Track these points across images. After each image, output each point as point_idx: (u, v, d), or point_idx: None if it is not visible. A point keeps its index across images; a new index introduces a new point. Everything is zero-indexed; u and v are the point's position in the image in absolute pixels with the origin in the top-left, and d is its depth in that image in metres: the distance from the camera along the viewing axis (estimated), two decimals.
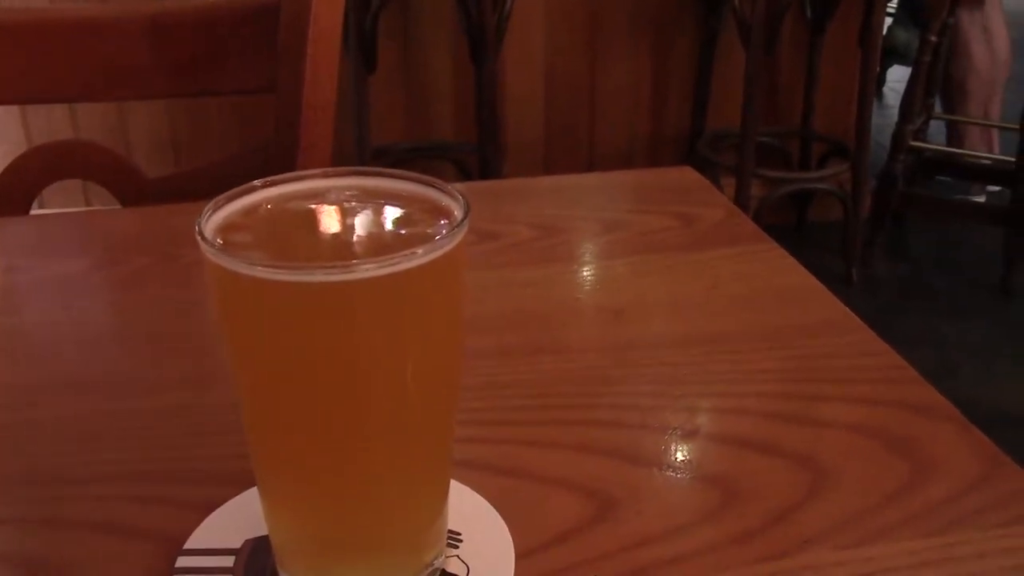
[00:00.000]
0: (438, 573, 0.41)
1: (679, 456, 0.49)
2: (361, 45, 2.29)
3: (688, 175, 0.81)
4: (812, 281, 0.64)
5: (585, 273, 0.68)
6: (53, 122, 2.44)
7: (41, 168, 1.00)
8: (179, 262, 0.71)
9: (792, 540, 0.43)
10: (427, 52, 2.54)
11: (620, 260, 0.70)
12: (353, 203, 0.37)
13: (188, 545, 0.42)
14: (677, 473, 0.48)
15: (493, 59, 2.32)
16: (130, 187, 1.00)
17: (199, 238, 0.34)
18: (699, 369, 0.56)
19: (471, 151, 2.51)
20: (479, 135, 2.43)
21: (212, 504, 0.45)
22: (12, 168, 0.98)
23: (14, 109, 2.40)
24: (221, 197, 0.36)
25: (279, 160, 0.97)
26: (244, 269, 0.33)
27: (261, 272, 0.33)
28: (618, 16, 2.58)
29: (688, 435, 0.50)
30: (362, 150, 2.37)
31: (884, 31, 3.20)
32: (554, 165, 2.69)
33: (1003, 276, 2.51)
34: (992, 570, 0.42)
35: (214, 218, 0.36)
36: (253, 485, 0.45)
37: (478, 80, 2.36)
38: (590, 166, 2.72)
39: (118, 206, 0.98)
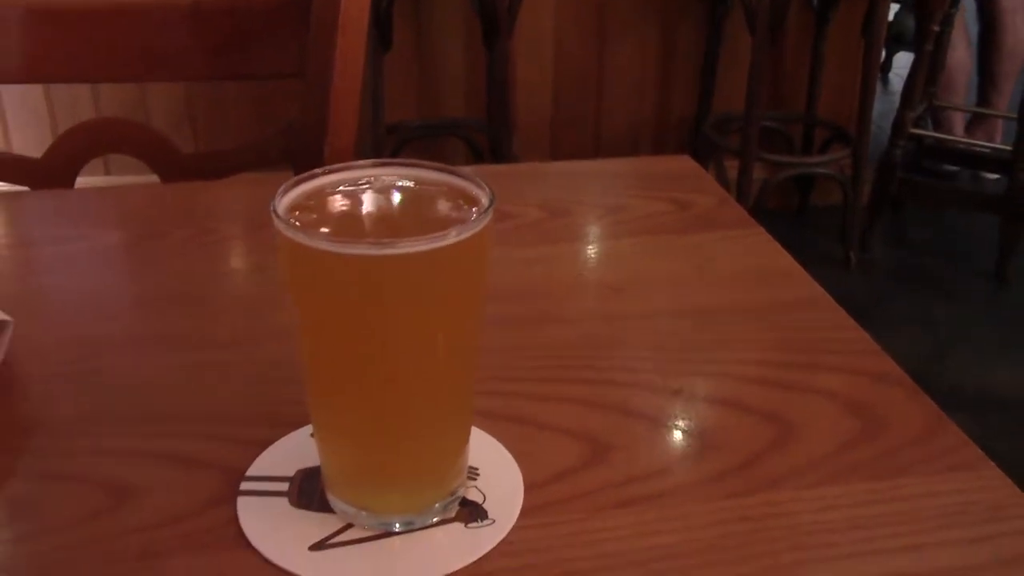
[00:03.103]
0: (460, 499, 0.49)
1: (665, 411, 0.56)
2: (378, 25, 2.36)
3: (686, 163, 0.89)
4: (793, 263, 0.71)
5: (588, 252, 0.76)
6: (75, 99, 2.50)
7: (85, 143, 1.08)
8: (217, 234, 0.78)
9: (758, 481, 0.51)
10: (440, 33, 2.60)
11: (620, 241, 0.77)
12: (398, 190, 0.45)
13: (250, 473, 0.50)
14: (662, 425, 0.56)
15: (504, 41, 2.38)
16: (166, 161, 1.08)
17: (274, 215, 0.41)
18: (686, 338, 0.63)
19: (481, 130, 2.58)
20: (489, 115, 2.50)
21: (267, 442, 0.53)
22: (59, 144, 1.06)
23: (36, 86, 2.47)
24: (289, 182, 0.44)
25: (306, 142, 1.04)
26: (310, 242, 0.41)
27: (323, 245, 0.41)
28: (626, 2, 2.63)
29: (674, 393, 0.58)
30: (376, 127, 2.44)
31: (891, 18, 3.25)
32: (562, 145, 2.75)
33: (998, 263, 2.57)
34: (930, 507, 0.49)
35: (285, 199, 0.43)
36: (301, 426, 0.53)
37: (489, 61, 2.43)
38: (596, 147, 2.78)
39: (141, 178, 1.05)
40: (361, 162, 0.45)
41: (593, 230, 0.80)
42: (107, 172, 2.52)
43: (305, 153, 1.03)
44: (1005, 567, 0.46)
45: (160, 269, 0.73)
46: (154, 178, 1.06)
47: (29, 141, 2.52)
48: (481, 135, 2.59)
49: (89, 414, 0.56)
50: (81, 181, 1.05)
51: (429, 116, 2.66)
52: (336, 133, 1.02)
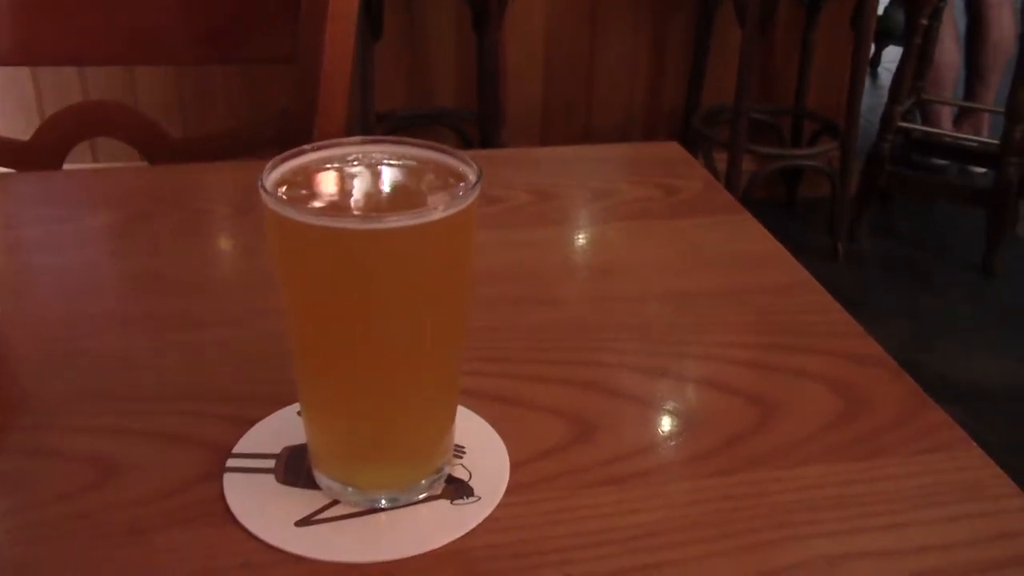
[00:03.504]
0: (446, 476, 0.49)
1: (650, 391, 0.57)
2: (368, 13, 2.35)
3: (674, 150, 0.89)
4: (778, 248, 0.72)
5: (576, 235, 0.76)
6: (63, 83, 2.49)
7: (73, 126, 1.07)
8: (206, 216, 0.78)
9: (741, 461, 0.51)
10: (431, 22, 2.60)
11: (608, 225, 0.78)
12: (386, 166, 0.45)
13: (236, 450, 0.51)
14: (647, 405, 0.56)
15: (495, 30, 2.38)
16: (155, 145, 1.07)
17: (262, 190, 0.42)
18: (672, 320, 0.64)
19: (471, 119, 2.58)
20: (479, 104, 2.50)
21: (252, 420, 0.53)
22: (47, 126, 1.06)
23: (24, 68, 2.46)
24: (277, 158, 0.44)
25: (296, 125, 1.04)
26: (298, 217, 0.41)
27: (311, 220, 0.41)
28: None
29: (659, 374, 0.58)
30: (366, 115, 2.44)
31: (880, 12, 3.26)
32: (551, 135, 2.76)
33: (984, 256, 2.59)
34: (911, 487, 0.50)
35: (273, 174, 0.43)
36: (287, 404, 0.53)
37: (479, 50, 2.43)
38: (587, 138, 2.79)
39: (130, 165, 1.05)
40: (349, 139, 0.46)
41: (581, 214, 0.80)
42: (95, 159, 2.51)
43: (295, 139, 1.03)
44: (984, 546, 0.46)
45: (148, 250, 0.73)
46: (143, 165, 1.06)
47: (16, 125, 2.51)
48: (471, 124, 2.59)
49: (76, 392, 0.56)
50: (69, 168, 1.05)
51: (419, 105, 2.66)
52: (325, 118, 1.02)
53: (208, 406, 0.55)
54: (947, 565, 0.45)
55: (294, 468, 0.49)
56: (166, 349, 0.60)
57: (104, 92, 2.49)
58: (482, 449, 0.51)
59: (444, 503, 0.48)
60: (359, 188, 0.46)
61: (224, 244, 0.76)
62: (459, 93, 2.66)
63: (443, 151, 0.45)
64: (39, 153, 1.05)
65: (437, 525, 0.46)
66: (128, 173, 0.95)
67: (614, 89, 2.75)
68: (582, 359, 0.60)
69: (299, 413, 0.50)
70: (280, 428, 0.52)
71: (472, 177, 0.44)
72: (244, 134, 1.12)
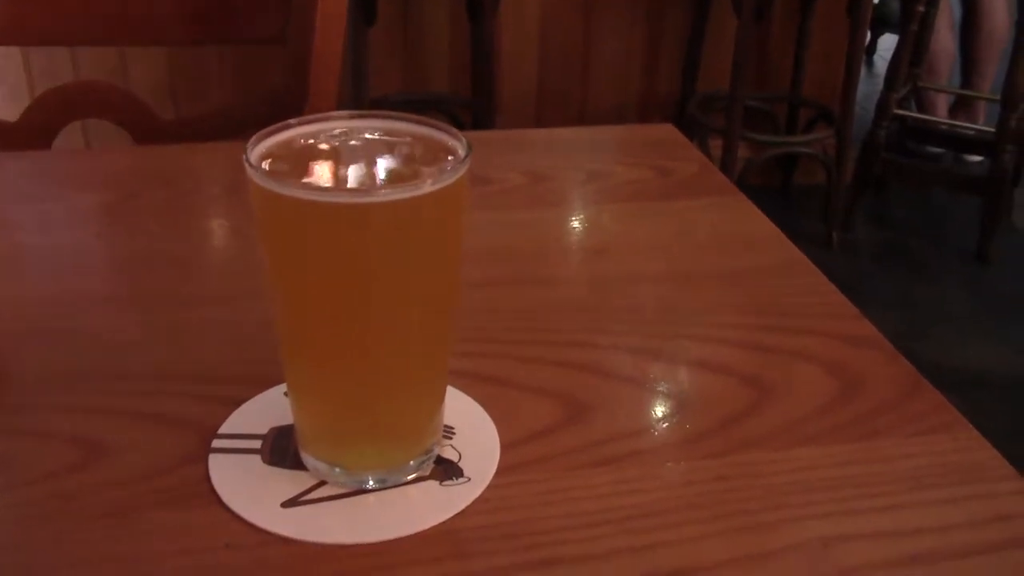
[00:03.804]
0: (435, 457, 0.48)
1: (643, 372, 0.56)
2: None
3: (669, 132, 0.88)
4: (773, 229, 0.71)
5: (570, 217, 0.76)
6: (54, 65, 2.47)
7: (62, 107, 1.06)
8: (200, 195, 0.77)
9: (735, 442, 0.51)
10: (425, 7, 2.58)
11: (602, 206, 0.77)
12: (374, 140, 0.44)
13: (222, 430, 0.50)
14: (640, 386, 0.55)
15: (490, 16, 2.36)
16: (146, 127, 1.06)
17: (246, 164, 0.41)
18: (665, 302, 0.63)
19: (465, 105, 2.56)
20: (473, 90, 2.49)
21: (239, 400, 0.52)
22: (35, 106, 1.04)
23: (15, 50, 2.44)
24: (262, 132, 0.43)
25: (286, 107, 1.03)
26: (284, 190, 0.40)
27: (298, 193, 0.40)
28: None
29: (652, 355, 0.58)
30: (359, 101, 2.42)
31: (877, 0, 3.25)
32: (546, 123, 2.74)
33: (979, 243, 2.59)
34: (907, 469, 0.49)
35: (258, 148, 0.42)
36: (274, 385, 0.52)
37: (474, 36, 2.41)
38: (581, 124, 2.77)
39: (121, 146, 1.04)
40: (336, 113, 0.45)
41: (575, 195, 0.79)
42: (87, 142, 2.49)
43: (286, 120, 1.02)
44: (981, 528, 0.46)
45: (137, 229, 0.72)
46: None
47: (7, 107, 2.48)
48: (465, 110, 2.58)
49: (61, 371, 0.55)
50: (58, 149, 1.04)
51: (413, 91, 2.65)
52: (317, 99, 1.01)
53: (194, 387, 0.54)
54: (943, 547, 0.44)
55: (280, 449, 0.49)
56: (152, 329, 0.59)
57: (95, 73, 2.47)
58: (472, 430, 0.50)
59: (433, 484, 0.47)
60: (346, 162, 0.45)
61: (212, 224, 0.75)
62: (453, 79, 2.65)
63: (432, 125, 0.44)
64: (28, 134, 1.04)
65: (426, 506, 0.45)
66: (116, 154, 0.94)
67: (609, 76, 2.73)
68: (575, 340, 0.59)
69: (286, 394, 0.49)
70: (266, 409, 0.51)
71: (461, 151, 0.43)
72: (235, 115, 1.11)
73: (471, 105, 2.52)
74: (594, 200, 0.78)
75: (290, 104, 1.02)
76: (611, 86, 2.75)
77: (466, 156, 0.42)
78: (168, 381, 0.54)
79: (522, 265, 0.67)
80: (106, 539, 0.43)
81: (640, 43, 2.72)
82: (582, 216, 0.76)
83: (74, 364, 0.56)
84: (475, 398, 0.52)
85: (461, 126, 2.62)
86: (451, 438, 0.50)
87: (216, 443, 0.49)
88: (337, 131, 0.44)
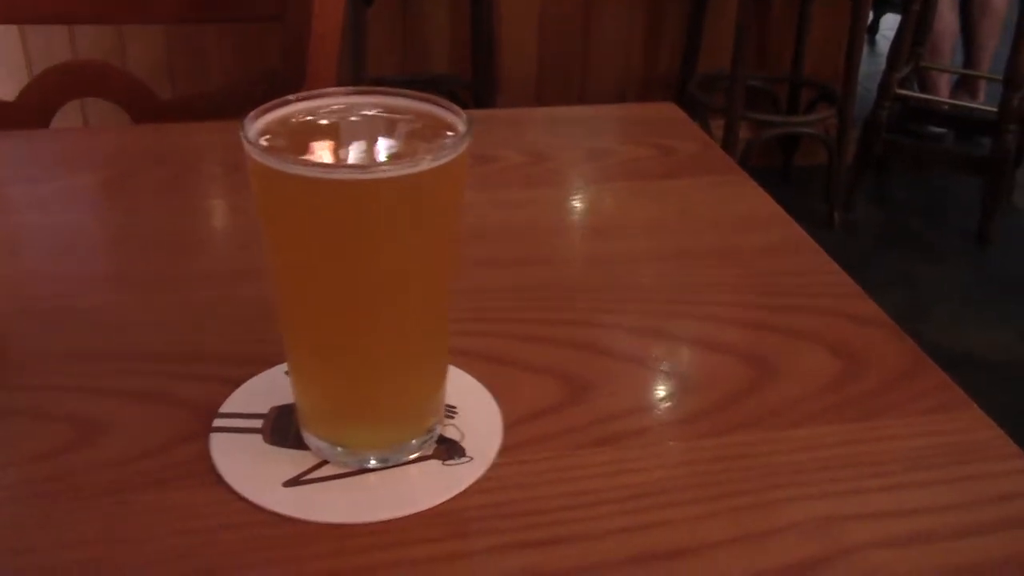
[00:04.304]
0: (437, 437, 0.48)
1: (645, 351, 0.56)
2: None
3: (670, 111, 0.88)
4: (775, 208, 0.71)
5: (571, 195, 0.75)
6: (52, 44, 2.46)
7: (60, 86, 1.05)
8: (199, 174, 0.77)
9: (736, 422, 0.50)
10: None
11: (603, 185, 0.76)
12: (374, 116, 0.44)
13: (222, 410, 0.49)
14: (642, 365, 0.55)
15: None
16: (144, 106, 1.06)
17: (244, 140, 0.40)
18: (666, 280, 0.63)
19: (466, 86, 2.55)
20: (474, 70, 2.47)
21: (238, 380, 0.52)
22: (33, 86, 1.04)
23: (13, 30, 2.42)
24: (260, 108, 0.42)
25: (284, 87, 1.02)
26: (284, 167, 0.39)
27: (297, 170, 0.40)
28: None
29: (654, 334, 0.57)
30: (358, 82, 2.41)
31: None
32: (546, 102, 2.73)
33: (980, 224, 2.58)
34: (909, 448, 0.49)
35: (256, 124, 0.42)
36: (274, 364, 0.52)
37: (474, 15, 2.40)
38: (581, 104, 2.76)
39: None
40: (334, 89, 0.44)
41: (576, 174, 0.78)
42: (85, 121, 2.48)
43: None
44: (983, 507, 0.46)
45: (135, 209, 0.72)
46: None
47: (5, 86, 2.47)
48: (465, 91, 2.56)
49: (59, 351, 0.55)
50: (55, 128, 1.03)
51: (413, 71, 2.63)
52: (315, 80, 1.01)
53: (194, 366, 0.54)
54: (943, 527, 0.44)
55: (282, 428, 0.48)
56: (151, 308, 0.59)
57: (93, 52, 2.46)
58: (474, 409, 0.50)
59: (435, 463, 0.47)
60: (345, 138, 0.44)
61: (210, 203, 0.74)
62: (453, 60, 2.63)
63: (432, 102, 0.44)
64: (26, 113, 1.03)
65: (428, 485, 0.45)
66: (113, 133, 0.93)
67: (609, 55, 2.72)
68: (576, 319, 0.58)
69: (287, 373, 0.49)
70: (267, 388, 0.51)
71: (461, 127, 0.42)
72: (233, 94, 1.10)
73: (471, 86, 2.51)
74: (595, 179, 0.77)
75: (288, 84, 1.01)
76: (612, 65, 2.73)
77: (466, 132, 0.42)
78: (167, 362, 0.54)
79: (522, 244, 0.67)
80: (105, 518, 0.43)
81: (640, 22, 2.70)
82: (583, 195, 0.76)
83: (72, 343, 0.55)
84: (477, 377, 0.52)
85: (463, 106, 2.60)
86: (453, 417, 0.49)
87: (217, 422, 0.49)
88: (336, 107, 0.44)
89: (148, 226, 0.69)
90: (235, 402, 0.50)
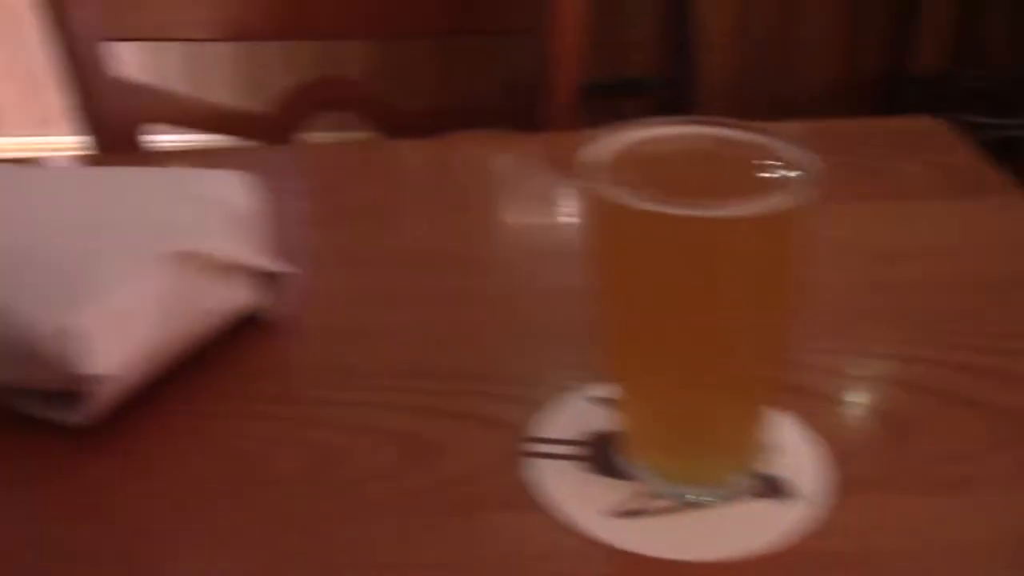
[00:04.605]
0: (765, 475, 0.46)
1: (978, 389, 0.52)
2: None
3: (933, 125, 0.83)
4: None
5: (843, 214, 0.70)
6: (292, 57, 2.51)
7: (305, 101, 1.10)
8: (473, 191, 0.77)
9: None
10: None
11: (880, 203, 0.72)
12: (716, 149, 0.43)
13: (533, 434, 0.50)
14: (970, 406, 0.51)
15: None
16: (387, 120, 1.09)
17: (582, 174, 0.40)
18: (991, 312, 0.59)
19: (663, 88, 2.51)
20: (674, 72, 2.44)
21: (537, 401, 0.52)
22: (284, 102, 1.08)
23: (245, 43, 2.53)
24: (593, 138, 0.42)
25: (526, 99, 1.03)
26: (634, 203, 0.39)
27: (645, 206, 0.39)
28: None
29: (987, 372, 0.54)
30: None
31: None
32: (746, 105, 2.66)
33: None
34: None
35: (594, 155, 0.41)
36: (572, 388, 0.52)
37: (671, 16, 2.36)
38: (779, 107, 2.68)
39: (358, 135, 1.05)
40: (672, 118, 0.44)
41: (852, 193, 0.75)
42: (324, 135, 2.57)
43: (526, 112, 1.02)
44: None
45: (418, 224, 0.72)
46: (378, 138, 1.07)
47: (250, 97, 2.58)
48: (663, 93, 2.53)
49: (364, 369, 0.56)
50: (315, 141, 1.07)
51: (609, 74, 2.62)
52: (558, 90, 1.01)
53: (495, 386, 0.54)
54: None
55: (604, 457, 0.48)
56: (449, 325, 0.59)
57: (309, 67, 2.55)
58: (799, 447, 0.48)
59: (763, 503, 0.45)
60: (688, 173, 0.43)
61: (494, 219, 0.74)
62: (651, 62, 2.60)
63: (774, 135, 0.43)
64: (271, 126, 1.08)
65: (758, 526, 0.44)
66: (371, 147, 0.96)
67: (810, 56, 2.62)
68: (894, 352, 0.56)
69: (591, 399, 0.49)
70: (575, 414, 0.51)
71: (810, 166, 0.41)
72: (471, 108, 1.12)
73: (668, 87, 2.47)
74: (868, 197, 0.73)
75: (530, 97, 1.02)
76: (813, 66, 2.64)
77: (816, 172, 0.40)
78: (468, 380, 0.55)
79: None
80: (435, 539, 0.44)
81: (844, 21, 2.59)
82: (856, 214, 0.71)
83: (374, 360, 0.56)
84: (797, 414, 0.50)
85: (664, 109, 2.57)
86: (779, 455, 0.48)
87: (530, 447, 0.49)
88: (676, 138, 0.43)
89: (434, 242, 0.70)
90: (545, 426, 0.50)
